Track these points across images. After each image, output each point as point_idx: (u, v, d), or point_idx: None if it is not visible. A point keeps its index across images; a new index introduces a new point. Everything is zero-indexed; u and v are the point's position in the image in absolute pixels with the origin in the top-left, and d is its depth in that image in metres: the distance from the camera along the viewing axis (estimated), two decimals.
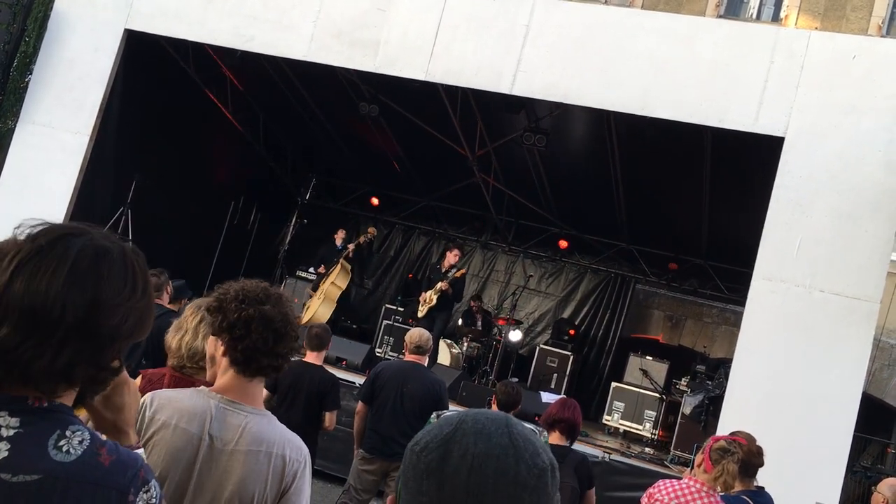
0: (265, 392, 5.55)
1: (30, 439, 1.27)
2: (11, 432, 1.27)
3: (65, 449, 1.28)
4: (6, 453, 1.25)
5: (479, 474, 0.99)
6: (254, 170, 13.52)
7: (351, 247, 11.74)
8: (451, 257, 10.86)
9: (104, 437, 1.37)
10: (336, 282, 11.46)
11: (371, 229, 11.93)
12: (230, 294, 2.26)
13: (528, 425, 4.87)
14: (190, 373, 2.72)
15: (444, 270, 10.78)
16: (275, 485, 2.19)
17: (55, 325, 1.25)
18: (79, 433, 1.31)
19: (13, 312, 1.25)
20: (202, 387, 2.30)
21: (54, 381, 1.28)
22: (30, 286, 1.25)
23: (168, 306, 6.11)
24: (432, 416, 5.26)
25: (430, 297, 10.64)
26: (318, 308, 11.14)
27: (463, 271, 11.12)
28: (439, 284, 10.61)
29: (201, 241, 12.84)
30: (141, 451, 1.61)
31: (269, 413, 2.31)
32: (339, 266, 11.58)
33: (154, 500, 1.36)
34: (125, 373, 1.53)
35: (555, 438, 4.90)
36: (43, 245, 1.30)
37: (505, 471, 0.99)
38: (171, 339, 2.83)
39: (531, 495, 1.00)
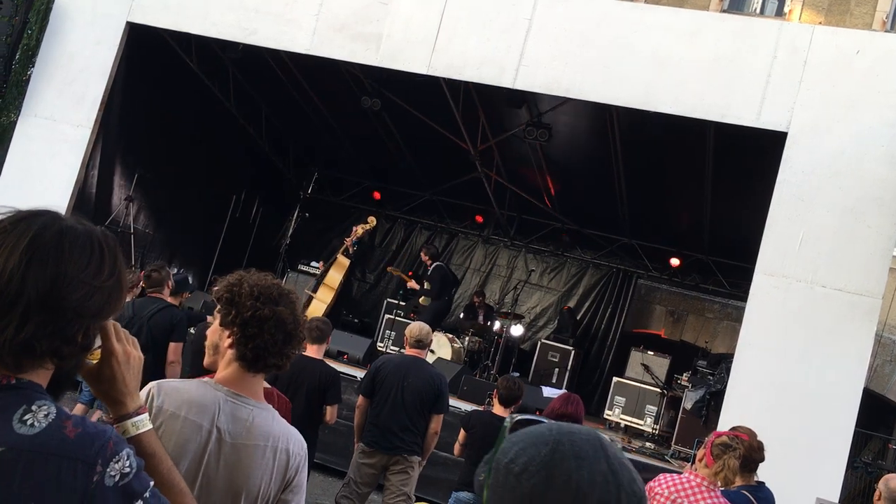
0: (266, 386, 5.59)
1: None
2: None
3: (29, 423, 1.29)
4: None
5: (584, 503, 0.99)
6: (256, 163, 13.51)
7: (348, 241, 11.66)
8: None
9: (70, 412, 1.36)
10: (328, 281, 11.37)
11: (371, 218, 11.82)
12: (244, 289, 2.25)
13: (533, 417, 4.84)
14: None
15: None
16: (278, 479, 2.21)
17: (15, 300, 1.28)
18: (45, 408, 1.31)
19: None
20: (206, 378, 2.30)
21: (16, 353, 1.30)
22: None
23: (169, 300, 6.12)
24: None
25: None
26: (310, 308, 11.10)
27: (389, 268, 12.11)
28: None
29: (203, 234, 12.84)
30: (143, 416, 1.63)
31: (270, 406, 2.32)
32: (334, 262, 11.52)
33: (128, 469, 1.35)
34: (115, 345, 1.55)
35: None
36: (6, 226, 1.34)
37: (607, 500, 0.99)
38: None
39: None
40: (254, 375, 2.27)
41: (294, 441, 2.27)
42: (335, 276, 11.41)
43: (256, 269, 2.39)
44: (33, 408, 1.31)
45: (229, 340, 2.25)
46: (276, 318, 2.22)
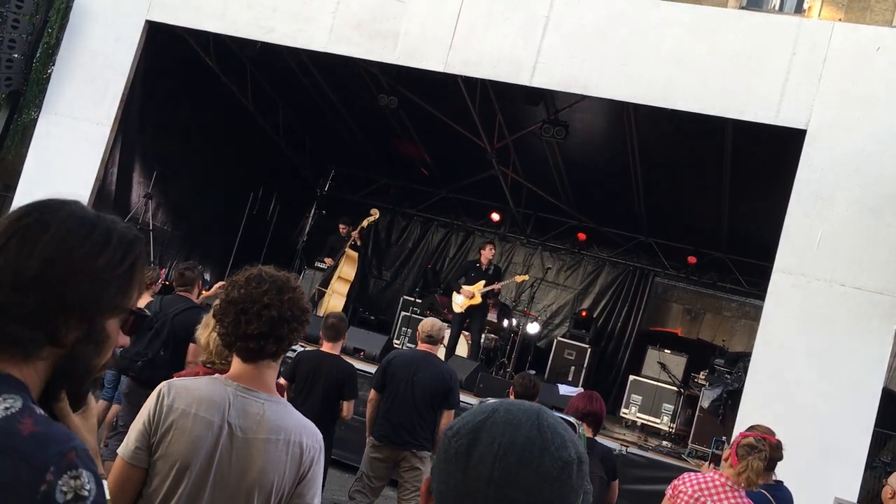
0: (283, 382, 5.61)
1: None
2: None
3: None
4: None
5: (503, 463, 1.02)
6: (273, 161, 13.56)
7: (355, 234, 11.66)
8: (488, 253, 10.75)
9: (41, 411, 1.22)
10: (343, 275, 11.38)
11: (373, 211, 11.78)
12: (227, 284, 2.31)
13: (565, 417, 4.83)
14: (220, 368, 2.69)
15: (484, 268, 10.66)
16: (292, 472, 2.18)
17: None
18: (10, 400, 1.18)
19: None
20: (216, 375, 2.30)
21: None
22: None
23: (196, 301, 6.12)
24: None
25: (475, 295, 10.49)
26: (329, 303, 11.14)
27: (526, 277, 11.25)
28: (496, 285, 10.57)
29: (221, 231, 12.91)
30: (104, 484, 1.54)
31: (283, 399, 2.30)
32: (344, 256, 11.51)
33: (86, 493, 1.16)
34: (66, 406, 1.40)
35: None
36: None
37: (528, 461, 1.02)
38: (201, 335, 2.81)
39: (552, 486, 1.03)
40: (255, 365, 2.22)
41: (308, 434, 2.23)
42: (349, 271, 11.43)
43: (273, 265, 2.38)
44: None
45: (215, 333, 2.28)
46: (230, 302, 2.21)
